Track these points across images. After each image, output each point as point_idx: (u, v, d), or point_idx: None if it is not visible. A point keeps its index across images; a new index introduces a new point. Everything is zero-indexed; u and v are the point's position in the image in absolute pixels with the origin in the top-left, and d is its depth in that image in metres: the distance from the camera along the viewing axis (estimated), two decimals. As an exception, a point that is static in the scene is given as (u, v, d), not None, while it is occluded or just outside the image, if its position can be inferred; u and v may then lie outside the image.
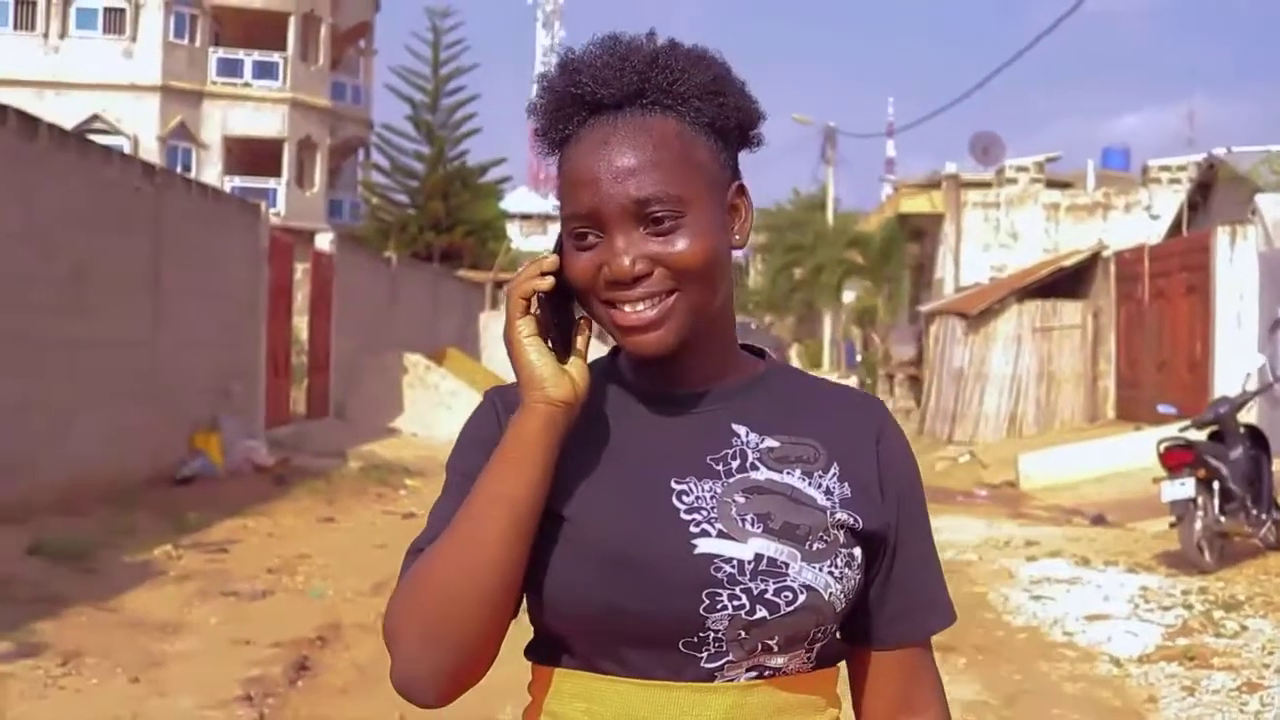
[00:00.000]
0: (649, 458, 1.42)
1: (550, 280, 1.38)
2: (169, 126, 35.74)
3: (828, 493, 1.40)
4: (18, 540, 9.24)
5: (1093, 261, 22.21)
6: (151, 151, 32.92)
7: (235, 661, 6.93)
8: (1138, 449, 13.92)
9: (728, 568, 1.34)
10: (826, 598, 1.36)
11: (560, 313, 1.40)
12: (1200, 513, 9.70)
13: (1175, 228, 23.06)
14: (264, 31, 37.27)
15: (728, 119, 1.42)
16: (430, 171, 41.01)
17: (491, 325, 33.14)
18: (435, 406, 22.49)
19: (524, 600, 1.42)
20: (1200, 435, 10.45)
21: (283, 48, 37.58)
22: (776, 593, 1.34)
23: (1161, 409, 12.79)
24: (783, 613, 1.34)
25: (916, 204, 31.09)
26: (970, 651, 7.39)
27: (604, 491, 1.40)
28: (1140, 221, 27.86)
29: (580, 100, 1.40)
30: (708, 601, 1.34)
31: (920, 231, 31.61)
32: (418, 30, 50.87)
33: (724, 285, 1.42)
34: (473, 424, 1.50)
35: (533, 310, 1.38)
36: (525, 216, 70.84)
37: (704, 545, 1.35)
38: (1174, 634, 7.81)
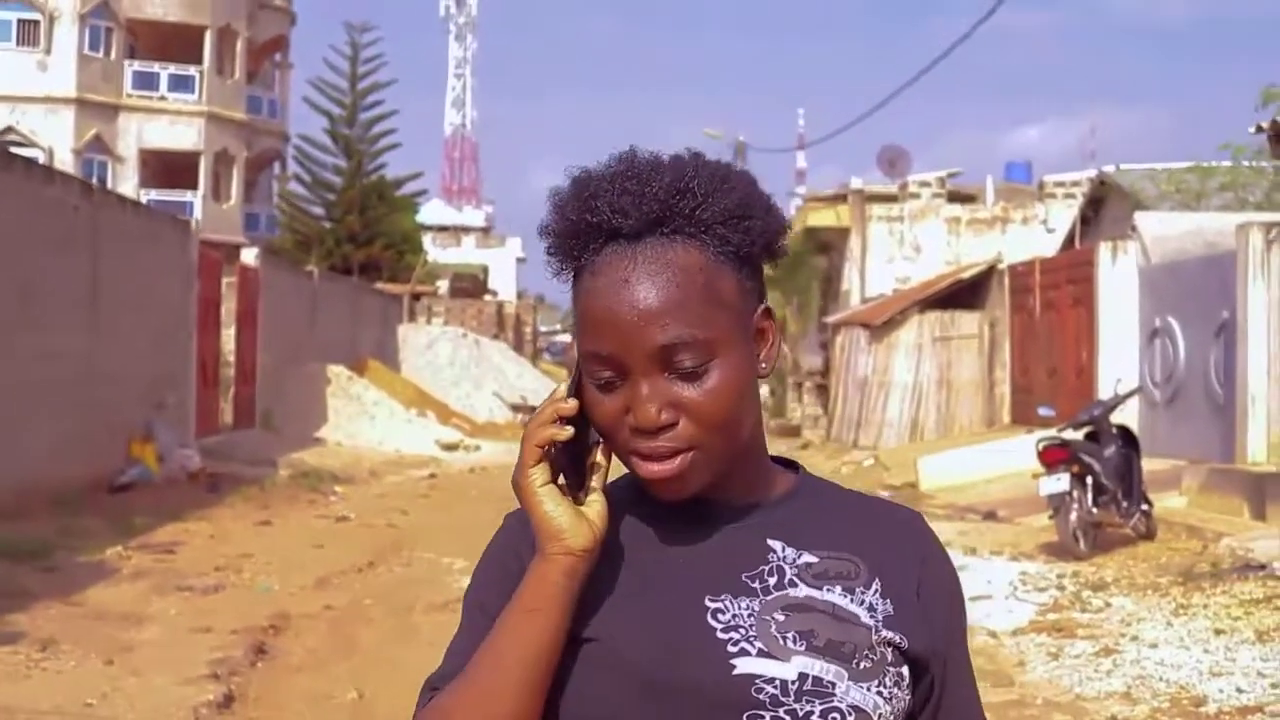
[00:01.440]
0: (680, 576, 1.34)
1: (570, 430, 1.30)
2: (84, 139, 35.80)
3: (871, 609, 1.33)
4: (-24, 543, 9.80)
5: (989, 274, 23.31)
6: (67, 164, 32.99)
7: (198, 646, 7.58)
8: (1028, 451, 14.86)
9: (770, 688, 1.26)
10: (876, 719, 1.29)
11: (575, 440, 1.32)
12: (1075, 505, 10.67)
13: (1070, 241, 24.26)
14: (180, 44, 37.45)
15: (753, 243, 1.34)
16: (348, 185, 41.49)
17: (410, 337, 33.68)
18: (358, 416, 23.09)
19: None
20: (1077, 435, 11.43)
21: (199, 61, 37.78)
22: (823, 714, 1.26)
23: (1042, 412, 13.79)
24: None
25: (823, 218, 32.10)
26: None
27: (633, 613, 1.32)
28: (1037, 235, 29.08)
29: (597, 228, 1.31)
30: None
31: (827, 245, 32.62)
32: (335, 44, 51.08)
33: (750, 417, 1.36)
34: (491, 553, 1.43)
35: (550, 451, 1.32)
36: (440, 228, 71.23)
37: (744, 665, 1.27)
38: (1046, 610, 8.74)
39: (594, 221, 1.31)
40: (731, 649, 1.28)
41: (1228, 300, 14.06)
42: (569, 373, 1.36)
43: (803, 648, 1.28)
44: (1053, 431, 11.94)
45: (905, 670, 1.32)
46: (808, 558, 1.35)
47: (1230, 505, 12.43)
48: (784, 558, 1.35)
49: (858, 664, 1.28)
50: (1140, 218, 17.79)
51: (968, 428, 22.12)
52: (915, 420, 22.64)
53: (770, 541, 1.36)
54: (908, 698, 1.33)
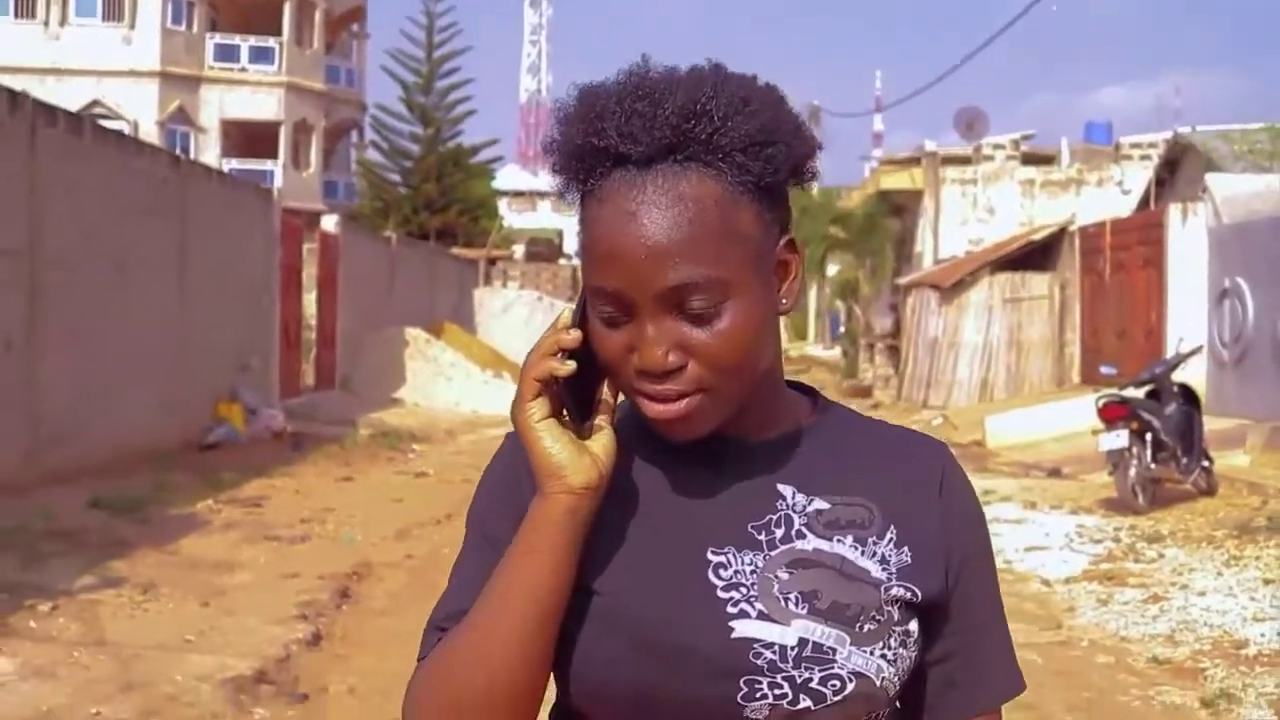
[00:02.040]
0: (685, 524, 1.28)
1: (572, 365, 1.23)
2: (168, 111, 36.64)
3: (883, 562, 1.27)
4: (78, 497, 10.36)
5: (1060, 236, 23.35)
6: (151, 135, 33.82)
7: (287, 590, 8.05)
8: (1094, 410, 15.06)
9: (768, 653, 1.22)
10: (879, 684, 1.24)
11: (581, 371, 1.25)
12: (1134, 461, 10.86)
13: (1144, 202, 24.21)
14: (259, 17, 38.18)
15: (777, 172, 1.23)
16: (425, 153, 42.00)
17: (486, 300, 34.19)
18: (435, 377, 23.62)
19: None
20: (1139, 393, 11.60)
21: (278, 32, 38.52)
22: (823, 681, 1.21)
23: (1104, 370, 13.96)
24: (829, 703, 1.22)
25: (897, 180, 32.18)
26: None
27: (635, 563, 1.27)
28: (1113, 196, 28.99)
29: (604, 152, 1.21)
30: (746, 690, 1.21)
31: (901, 207, 32.68)
32: (411, 14, 51.65)
33: (767, 355, 1.27)
34: (493, 478, 1.38)
35: (552, 385, 1.25)
36: (516, 194, 71.78)
37: (742, 628, 1.22)
38: (1099, 561, 9.00)
39: (600, 145, 1.21)
40: (731, 610, 1.23)
41: (1296, 260, 14.13)
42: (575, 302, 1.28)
43: (805, 610, 1.23)
44: (1114, 390, 12.11)
45: (914, 625, 1.28)
46: (819, 504, 1.29)
47: (1293, 462, 12.55)
48: (793, 505, 1.29)
49: (861, 627, 1.23)
50: (1211, 179, 17.79)
51: (1037, 387, 22.22)
52: (985, 380, 22.78)
53: (780, 487, 1.30)
54: (914, 654, 1.28)
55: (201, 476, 12.34)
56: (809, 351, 41.22)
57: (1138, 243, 19.21)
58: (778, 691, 1.21)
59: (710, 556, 1.26)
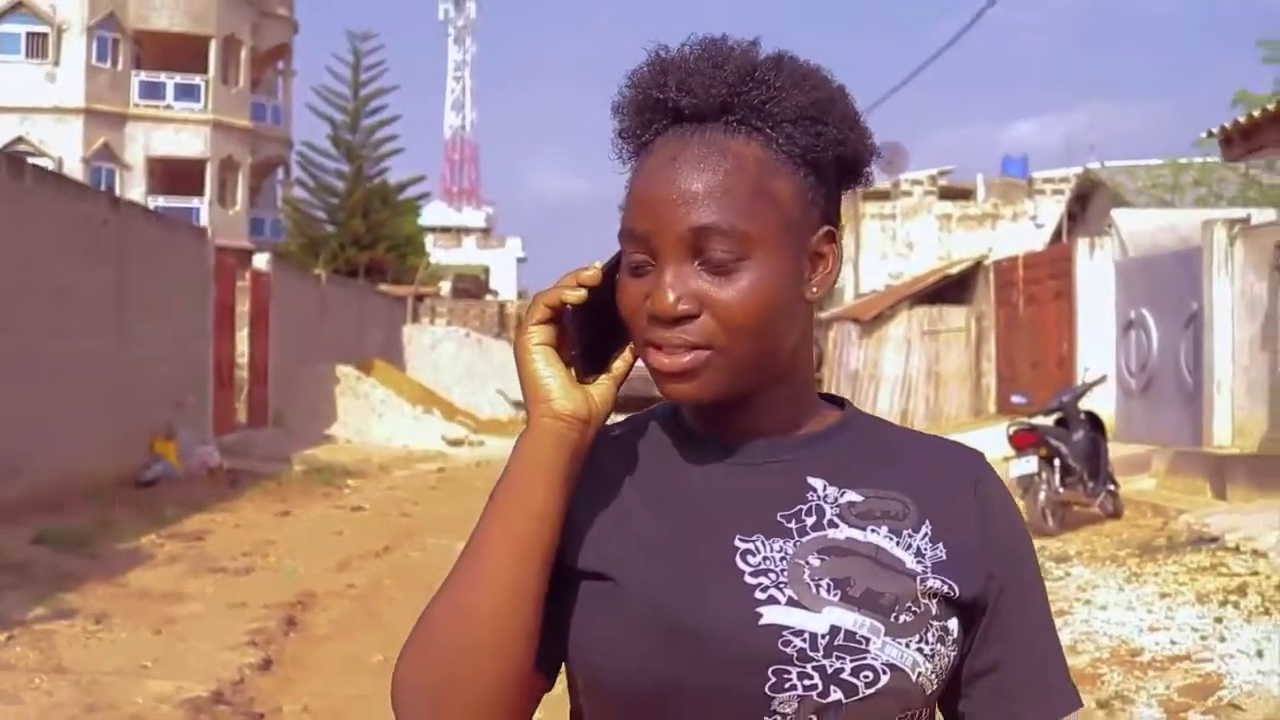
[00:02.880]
0: (710, 512, 1.24)
1: (583, 293, 1.21)
2: (93, 148, 36.63)
3: (918, 554, 1.22)
4: (21, 533, 10.58)
5: (975, 270, 24.12)
6: (76, 172, 33.79)
7: (236, 619, 8.36)
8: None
9: (798, 641, 1.16)
10: (914, 679, 1.18)
11: (604, 332, 1.25)
12: (1044, 485, 11.44)
13: (1057, 236, 25.08)
14: (185, 54, 38.27)
15: (823, 151, 1.24)
16: (351, 189, 42.28)
17: (414, 337, 34.46)
18: (366, 414, 23.88)
19: (560, 675, 1.27)
20: (1048, 421, 12.19)
21: (204, 70, 38.66)
22: (855, 672, 1.16)
23: (1015, 399, 14.60)
24: (861, 695, 1.16)
25: (817, 216, 32.93)
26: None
27: (656, 550, 1.22)
28: (1027, 230, 29.92)
29: (662, 105, 1.24)
30: (774, 680, 1.16)
31: (822, 242, 33.40)
32: (338, 51, 51.89)
33: (788, 338, 1.25)
34: None
35: (563, 321, 1.23)
36: (442, 229, 72.03)
37: (771, 615, 1.17)
38: (1009, 580, 9.51)
39: (660, 98, 1.24)
40: (760, 595, 1.18)
41: (1196, 293, 14.83)
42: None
43: (837, 597, 1.18)
44: (1024, 418, 12.70)
45: (953, 623, 1.21)
46: (851, 496, 1.24)
47: (1194, 485, 13.20)
48: (825, 496, 1.24)
49: (897, 617, 1.18)
50: (1117, 214, 18.57)
51: (955, 417, 22.90)
52: (905, 411, 23.43)
53: (811, 479, 1.25)
54: (953, 653, 1.22)
55: (142, 512, 12.56)
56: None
57: (1048, 276, 19.96)
58: (807, 682, 1.16)
59: (738, 543, 1.21)
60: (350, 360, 26.10)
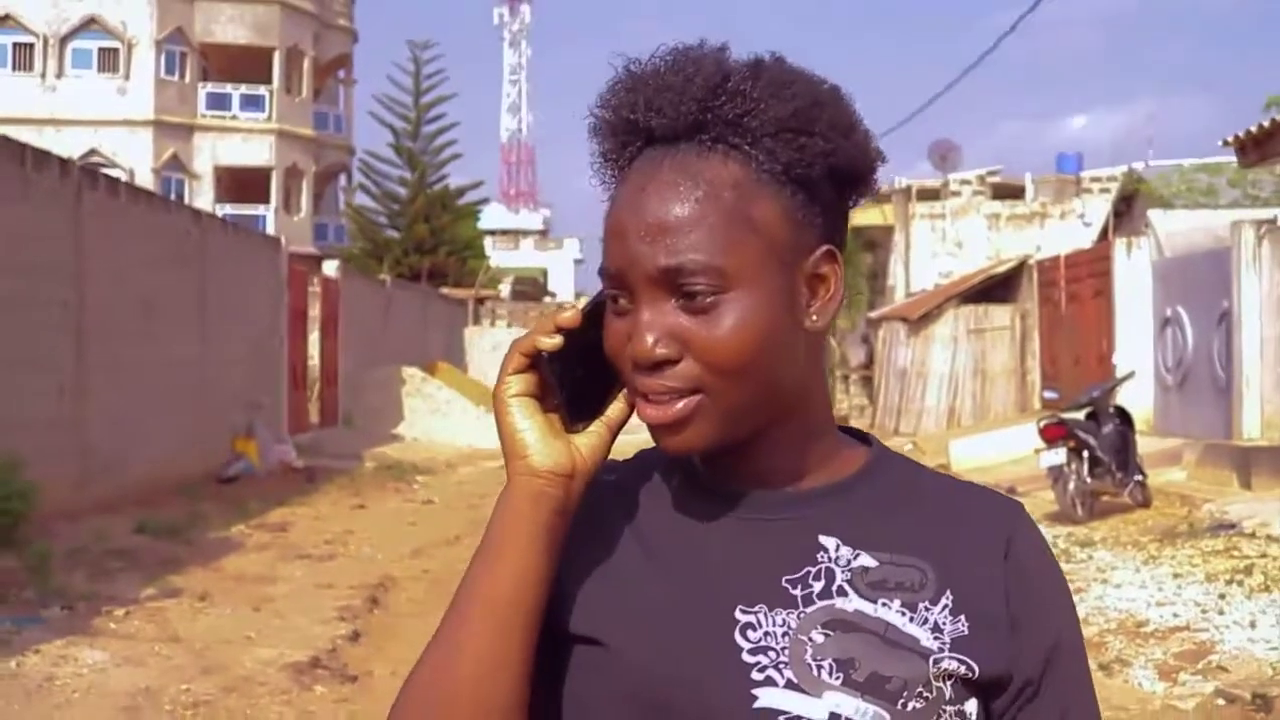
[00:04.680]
0: (712, 577, 1.14)
1: (559, 340, 1.10)
2: (162, 159, 37.82)
3: (935, 630, 1.11)
4: (123, 523, 11.54)
5: (1020, 269, 24.67)
6: (146, 182, 34.96)
7: (324, 598, 9.24)
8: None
9: None
10: None
11: (599, 376, 1.14)
12: (1072, 476, 12.12)
13: (1104, 235, 25.58)
14: (250, 66, 39.43)
15: (810, 165, 1.11)
16: (414, 195, 43.31)
17: (476, 339, 35.42)
18: (431, 414, 24.84)
19: None
20: (1079, 415, 12.87)
21: (268, 81, 39.80)
22: None
23: (1047, 395, 15.25)
24: None
25: (869, 217, 33.47)
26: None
27: (652, 616, 1.13)
28: (1075, 229, 30.38)
29: (635, 126, 1.13)
30: None
31: (873, 242, 33.99)
32: (399, 61, 53.09)
33: (787, 373, 1.13)
34: None
35: (547, 368, 1.12)
36: (500, 232, 73.14)
37: (767, 698, 1.07)
38: (1035, 563, 10.22)
39: (631, 119, 1.14)
40: (756, 675, 1.09)
41: (1227, 291, 15.43)
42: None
43: (839, 681, 1.08)
44: (1055, 412, 13.37)
45: (971, 705, 1.11)
46: (865, 560, 1.14)
47: (1222, 477, 13.81)
48: (836, 559, 1.14)
49: (904, 705, 1.08)
50: (1154, 215, 19.16)
51: (1001, 413, 23.48)
52: (952, 407, 24.05)
53: (823, 538, 1.15)
54: None
55: (228, 505, 13.51)
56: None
57: (1088, 275, 20.53)
58: None
59: (739, 615, 1.12)
60: (414, 362, 27.07)
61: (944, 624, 1.11)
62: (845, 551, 1.14)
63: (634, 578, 1.16)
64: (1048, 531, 11.85)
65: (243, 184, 39.60)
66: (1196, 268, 17.02)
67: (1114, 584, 9.16)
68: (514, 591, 1.10)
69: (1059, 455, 12.04)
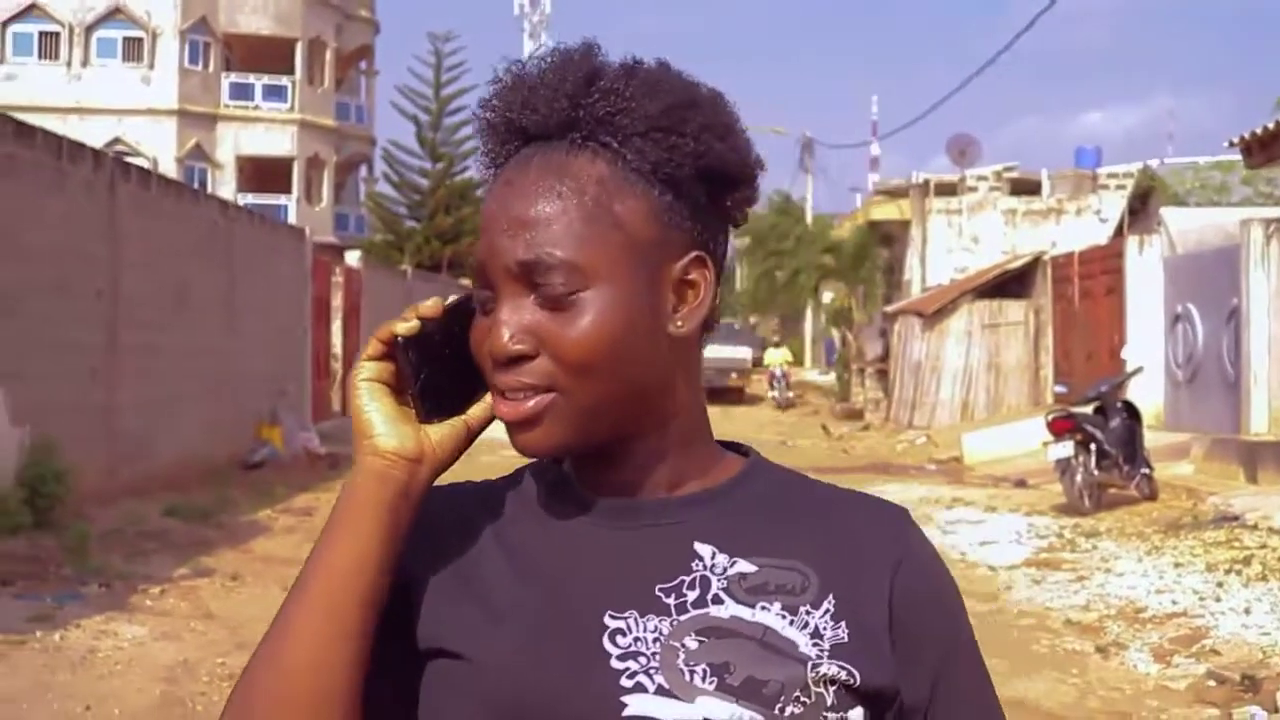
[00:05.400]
0: (580, 586, 1.10)
1: (414, 324, 1.10)
2: (186, 148, 38.15)
3: (815, 635, 1.08)
4: (153, 506, 11.88)
5: (1034, 265, 24.89)
6: (170, 171, 35.31)
7: (351, 579, 9.56)
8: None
9: None
10: None
11: (464, 374, 1.13)
12: (1080, 468, 12.38)
13: (1119, 231, 25.78)
14: (272, 56, 39.76)
15: (679, 166, 1.10)
16: (436, 186, 43.59)
17: (494, 329, 35.74)
18: (451, 403, 25.17)
19: None
20: (1087, 409, 13.13)
21: (290, 71, 40.13)
22: None
23: (1056, 389, 15.52)
24: None
25: (885, 211, 33.77)
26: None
27: (516, 625, 1.09)
28: (1091, 224, 30.56)
29: (513, 126, 1.13)
30: None
31: (890, 237, 34.24)
32: (419, 53, 53.37)
33: (648, 377, 1.11)
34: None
35: (406, 357, 1.10)
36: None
37: (636, 705, 1.04)
38: (1040, 552, 10.52)
39: (509, 118, 1.14)
40: (626, 682, 1.05)
41: (1236, 288, 15.67)
42: None
43: (712, 686, 1.04)
44: (1064, 406, 13.63)
45: (856, 714, 1.08)
46: (743, 566, 1.11)
47: (1229, 471, 14.05)
48: (712, 566, 1.11)
49: (782, 709, 1.04)
50: (1166, 212, 19.39)
51: (1014, 408, 23.71)
52: (966, 401, 24.31)
53: (698, 546, 1.12)
54: None
55: (254, 490, 13.86)
56: (806, 377, 42.70)
57: (1101, 271, 20.76)
58: None
59: (608, 621, 1.08)
60: (434, 352, 27.38)
61: (824, 629, 1.09)
62: (721, 559, 1.11)
63: (497, 584, 1.12)
64: (1054, 521, 12.14)
65: (265, 174, 39.95)
66: (1206, 265, 17.25)
67: (1116, 572, 9.44)
68: (351, 567, 1.07)
69: (1066, 448, 12.30)
